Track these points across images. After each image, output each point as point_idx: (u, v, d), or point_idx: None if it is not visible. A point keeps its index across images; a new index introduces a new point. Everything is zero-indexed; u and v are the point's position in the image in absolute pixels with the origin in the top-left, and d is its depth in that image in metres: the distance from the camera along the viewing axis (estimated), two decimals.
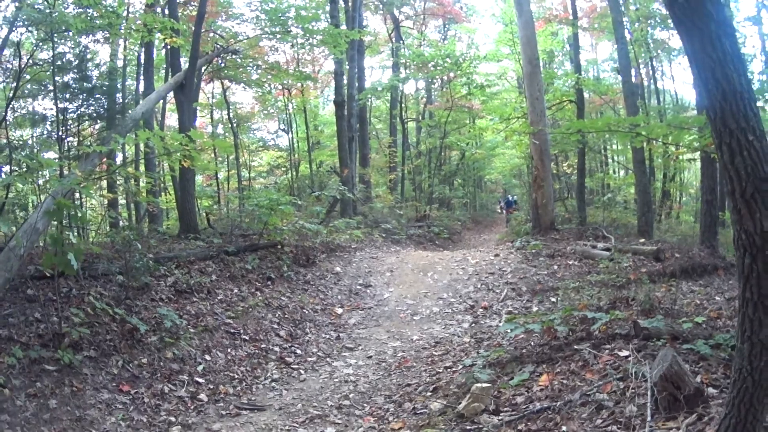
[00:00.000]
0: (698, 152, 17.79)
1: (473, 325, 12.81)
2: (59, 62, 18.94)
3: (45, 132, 21.74)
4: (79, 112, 20.97)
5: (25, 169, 11.53)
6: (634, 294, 10.55)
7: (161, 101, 21.23)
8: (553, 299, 13.29)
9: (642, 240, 19.66)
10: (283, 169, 37.20)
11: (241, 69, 25.76)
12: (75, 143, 21.08)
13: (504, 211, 36.43)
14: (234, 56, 24.13)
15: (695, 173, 34.85)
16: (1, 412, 7.28)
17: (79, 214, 10.84)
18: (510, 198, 36.66)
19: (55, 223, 10.71)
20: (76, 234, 10.41)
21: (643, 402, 5.64)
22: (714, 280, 13.97)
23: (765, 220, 3.83)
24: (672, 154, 26.53)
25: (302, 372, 10.86)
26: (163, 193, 26.58)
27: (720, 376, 6.36)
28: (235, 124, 31.01)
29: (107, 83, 21.17)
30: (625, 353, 7.47)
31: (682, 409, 5.40)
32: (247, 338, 11.62)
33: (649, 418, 5.32)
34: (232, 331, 11.59)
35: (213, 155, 30.58)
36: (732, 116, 3.98)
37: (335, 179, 26.33)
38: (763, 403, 4.06)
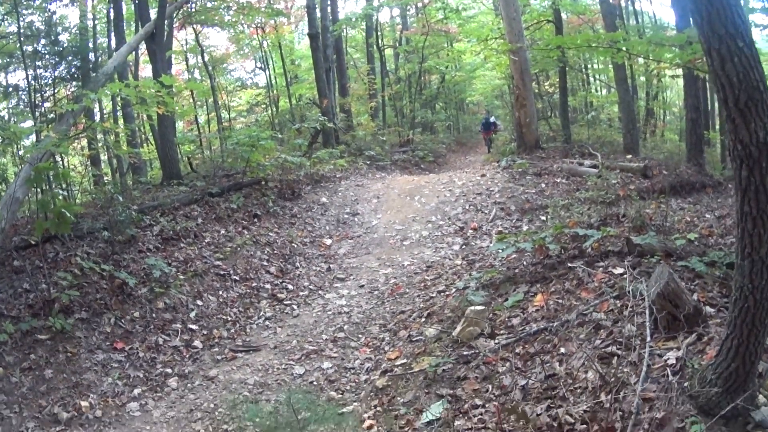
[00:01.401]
0: (681, 70, 17.62)
1: (464, 246, 12.78)
2: (28, 31, 18.56)
3: (20, 102, 21.32)
4: (53, 76, 20.60)
5: (0, 141, 11.30)
6: (624, 211, 10.50)
7: (133, 53, 20.83)
8: (543, 217, 13.25)
9: (629, 157, 19.62)
10: (262, 106, 36.79)
11: (212, 12, 25.24)
12: (51, 108, 20.72)
13: (483, 135, 32.28)
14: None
15: (678, 93, 34.65)
16: None
17: (60, 172, 10.69)
18: (489, 119, 32.13)
19: (38, 189, 10.54)
20: (61, 198, 10.22)
21: (642, 321, 5.58)
22: (703, 198, 13.99)
23: (760, 130, 3.70)
24: (654, 69, 26.32)
25: (295, 307, 10.86)
26: (144, 144, 26.33)
27: (716, 294, 6.31)
28: (210, 68, 30.52)
29: (78, 44, 20.71)
30: (619, 270, 7.42)
31: (681, 328, 5.34)
32: (237, 278, 11.55)
33: (648, 338, 5.26)
34: (222, 272, 11.51)
35: (191, 100, 30.21)
36: (720, 21, 3.82)
37: (315, 111, 26.05)
38: (765, 323, 3.98)
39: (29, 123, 19.82)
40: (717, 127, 25.24)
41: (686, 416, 4.26)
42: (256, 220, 14.46)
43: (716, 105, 26.78)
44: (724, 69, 3.79)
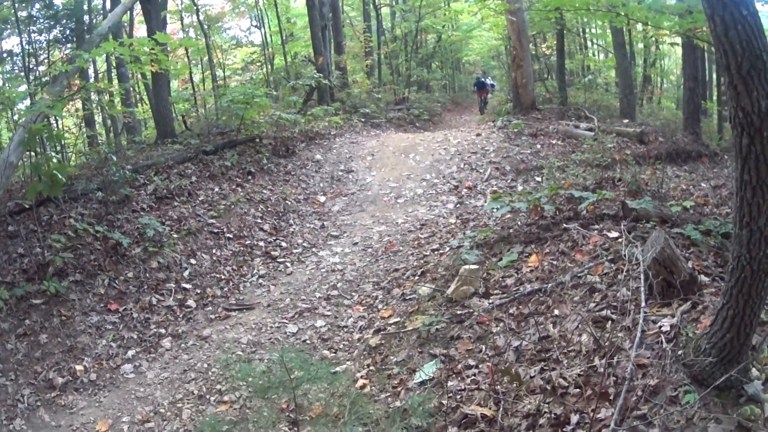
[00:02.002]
0: (680, 38, 17.53)
1: (458, 205, 12.77)
2: None
3: (14, 68, 21.01)
4: (47, 40, 20.28)
5: None
6: (620, 175, 10.50)
7: (128, 14, 20.60)
8: (538, 178, 13.25)
9: (626, 121, 19.60)
10: (257, 64, 36.53)
11: None
12: (46, 71, 20.48)
13: (477, 95, 31.36)
14: None
15: (676, 61, 34.57)
16: None
17: (54, 133, 10.64)
18: (483, 79, 31.47)
19: (32, 152, 10.49)
20: (55, 161, 10.18)
21: (637, 286, 5.59)
22: (698, 167, 14.03)
23: (762, 99, 3.66)
24: (653, 36, 26.15)
25: (288, 265, 10.87)
26: (139, 104, 26.13)
27: (711, 263, 6.33)
28: (206, 26, 30.19)
29: (72, 6, 20.38)
30: (614, 234, 7.44)
31: (676, 295, 5.35)
32: (231, 236, 11.54)
33: (643, 304, 5.27)
34: (216, 230, 11.50)
35: (186, 59, 29.94)
36: None
37: (311, 68, 25.86)
38: (761, 295, 3.97)
39: (23, 88, 19.63)
40: (714, 97, 25.20)
41: (680, 385, 4.27)
42: (250, 177, 14.39)
43: (714, 75, 26.74)
44: (728, 36, 3.74)
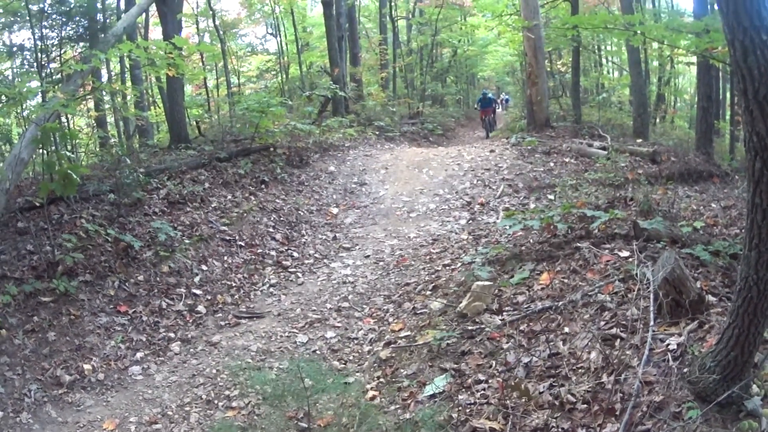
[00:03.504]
0: (695, 57, 17.53)
1: (470, 221, 12.78)
2: None
3: (25, 62, 21.05)
4: (59, 36, 20.33)
5: (5, 100, 11.28)
6: (632, 194, 10.50)
7: (143, 15, 20.66)
8: (551, 196, 13.24)
9: (639, 141, 19.60)
10: (273, 72, 36.71)
11: None
12: (58, 69, 20.51)
13: (481, 114, 28.05)
14: None
15: (690, 80, 34.62)
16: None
17: (67, 132, 10.67)
18: (490, 95, 28.89)
19: (44, 150, 10.53)
20: (67, 160, 10.22)
21: (646, 305, 5.63)
22: (709, 187, 13.95)
23: None
24: (669, 55, 26.20)
25: (300, 275, 10.88)
26: (152, 107, 26.22)
27: (718, 284, 6.36)
28: (221, 32, 30.37)
29: (86, 4, 20.40)
30: (625, 254, 7.46)
31: (684, 315, 5.41)
32: (242, 244, 11.59)
33: (652, 322, 5.31)
34: (228, 238, 11.54)
35: (201, 64, 30.06)
36: (745, 12, 3.79)
37: (326, 79, 25.99)
38: (765, 314, 4.04)
39: (35, 83, 19.62)
40: (727, 117, 25.20)
41: (684, 401, 4.34)
42: (263, 186, 14.46)
43: (727, 95, 26.75)
44: (746, 61, 3.79)
